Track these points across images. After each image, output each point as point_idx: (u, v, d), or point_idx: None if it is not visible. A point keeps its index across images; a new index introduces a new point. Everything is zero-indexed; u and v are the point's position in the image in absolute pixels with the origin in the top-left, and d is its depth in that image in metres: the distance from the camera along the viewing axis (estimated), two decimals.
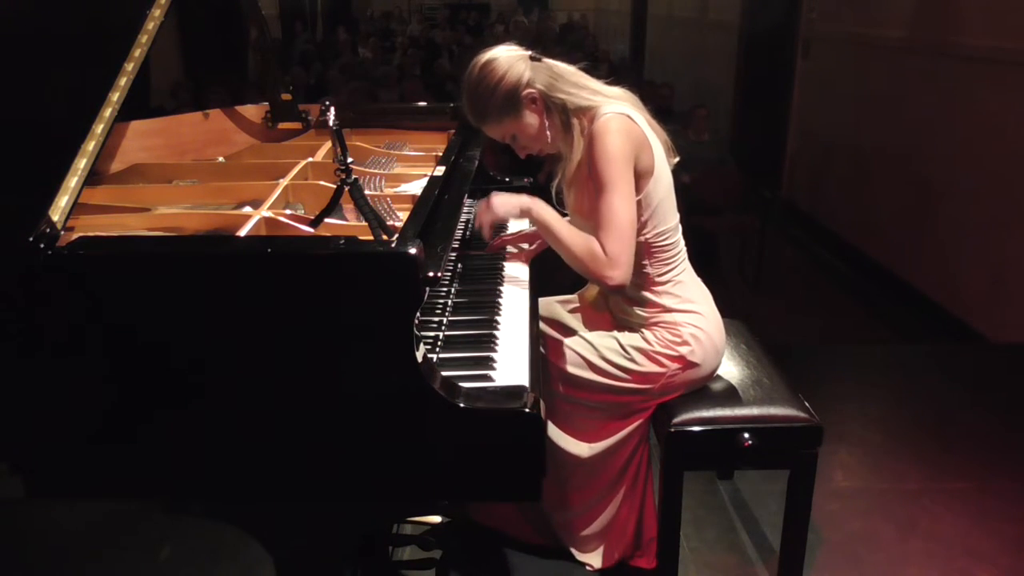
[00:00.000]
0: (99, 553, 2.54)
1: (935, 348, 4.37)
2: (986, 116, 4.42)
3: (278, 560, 1.64)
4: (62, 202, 1.47)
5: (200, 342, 1.42)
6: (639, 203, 1.98)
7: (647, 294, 2.09)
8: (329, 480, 1.50)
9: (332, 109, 2.09)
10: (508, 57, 2.02)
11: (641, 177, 1.98)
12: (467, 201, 2.34)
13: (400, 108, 3.74)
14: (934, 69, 4.93)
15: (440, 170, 2.09)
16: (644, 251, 2.05)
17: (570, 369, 2.09)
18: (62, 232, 1.44)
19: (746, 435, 2.01)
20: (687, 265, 2.14)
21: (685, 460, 2.07)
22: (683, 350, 2.06)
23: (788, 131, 7.01)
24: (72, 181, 1.51)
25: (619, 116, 1.96)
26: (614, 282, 1.91)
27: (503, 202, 2.09)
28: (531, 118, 2.04)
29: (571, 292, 2.42)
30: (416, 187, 2.22)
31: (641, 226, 2.01)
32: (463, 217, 2.32)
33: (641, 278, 2.08)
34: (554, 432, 2.15)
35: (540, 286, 2.19)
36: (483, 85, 2.01)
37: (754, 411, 2.05)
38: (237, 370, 1.42)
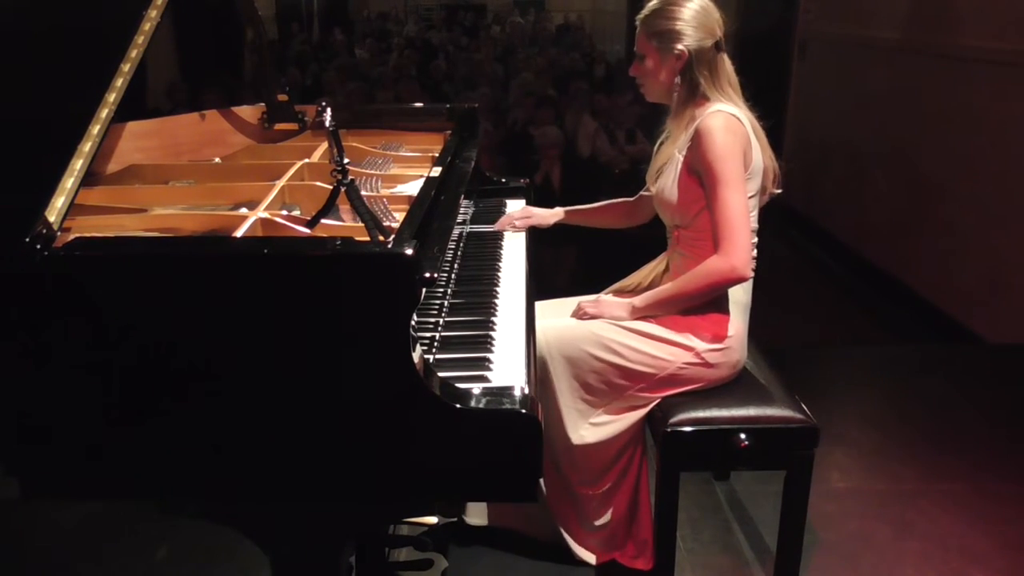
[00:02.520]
0: (97, 553, 2.54)
1: (932, 349, 4.38)
2: (983, 117, 4.43)
3: (274, 560, 1.63)
4: (58, 203, 1.47)
5: (196, 343, 1.42)
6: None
7: None
8: (325, 480, 1.49)
9: (328, 110, 2.09)
10: (700, 17, 2.09)
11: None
12: (463, 202, 2.35)
13: (396, 109, 3.73)
14: (931, 70, 4.93)
15: (436, 171, 2.09)
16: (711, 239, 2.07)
17: (576, 347, 2.10)
18: (58, 233, 1.44)
19: (742, 436, 2.01)
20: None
21: (681, 461, 2.08)
22: (701, 346, 2.07)
23: (785, 132, 7.01)
24: (68, 182, 1.51)
25: (726, 114, 2.05)
26: (741, 267, 1.99)
27: (613, 311, 2.15)
28: (664, 64, 2.13)
29: (568, 294, 2.43)
30: (412, 188, 2.21)
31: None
32: (459, 218, 2.32)
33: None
34: (555, 412, 2.15)
35: (537, 287, 2.19)
36: (666, 6, 2.11)
37: (750, 412, 2.06)
38: (233, 371, 1.42)
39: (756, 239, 2.12)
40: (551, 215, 2.57)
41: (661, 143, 2.23)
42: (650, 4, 2.17)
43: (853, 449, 3.13)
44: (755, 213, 2.12)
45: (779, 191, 2.22)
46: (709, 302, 2.10)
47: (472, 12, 16.51)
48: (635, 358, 2.08)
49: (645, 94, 2.23)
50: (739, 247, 1.98)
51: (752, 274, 2.05)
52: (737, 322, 2.12)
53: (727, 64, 2.15)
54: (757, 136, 2.11)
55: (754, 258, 2.09)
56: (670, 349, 2.08)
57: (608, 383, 2.11)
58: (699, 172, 2.04)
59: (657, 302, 2.11)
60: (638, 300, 2.14)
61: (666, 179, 2.13)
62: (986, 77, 4.39)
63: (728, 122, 2.03)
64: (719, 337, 2.09)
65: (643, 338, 2.09)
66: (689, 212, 2.10)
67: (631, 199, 2.49)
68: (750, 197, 2.06)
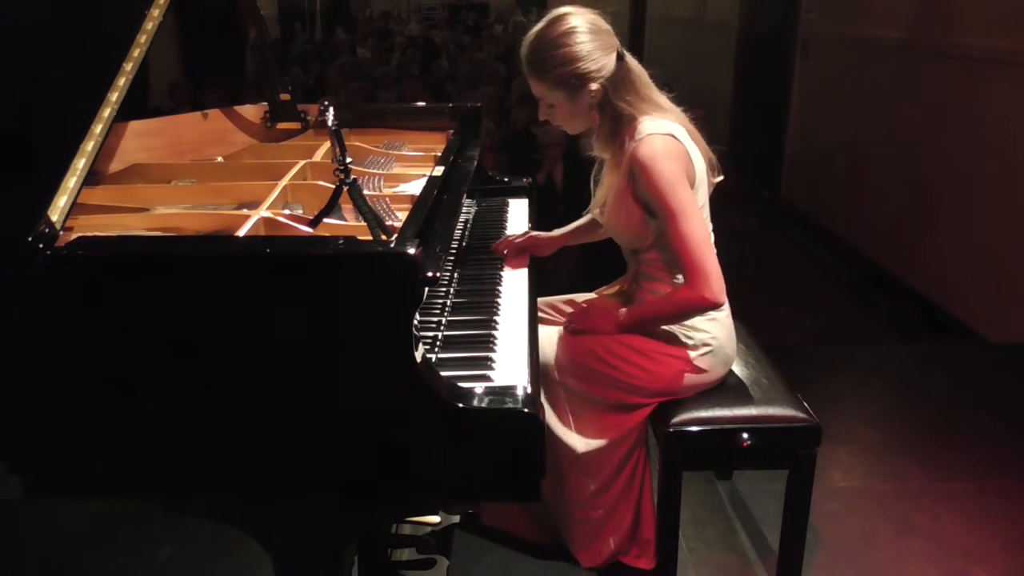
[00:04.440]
0: (99, 553, 2.54)
1: (934, 348, 4.37)
2: (985, 116, 4.42)
3: (276, 560, 1.63)
4: (61, 202, 1.47)
5: (199, 342, 1.42)
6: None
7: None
8: (327, 480, 1.50)
9: (331, 109, 2.09)
10: (596, 42, 1.94)
11: None
12: (466, 201, 2.34)
13: (399, 108, 3.73)
14: (933, 69, 4.93)
15: (439, 170, 2.09)
16: (667, 259, 2.07)
17: (574, 360, 2.09)
18: (61, 232, 1.44)
19: (745, 435, 2.01)
20: None
21: (684, 460, 2.07)
22: (692, 354, 2.06)
23: (787, 131, 7.00)
24: (71, 181, 1.51)
25: (661, 137, 1.94)
26: (713, 296, 1.92)
27: (600, 326, 2.10)
28: (579, 105, 2.00)
29: (569, 292, 2.42)
30: (415, 187, 2.21)
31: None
32: (462, 217, 2.32)
33: (672, 286, 2.08)
34: (552, 425, 2.14)
35: (539, 286, 2.19)
36: (556, 50, 1.94)
37: (753, 411, 2.05)
38: (236, 370, 1.42)
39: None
40: (552, 241, 2.40)
41: (596, 175, 2.17)
42: (531, 46, 1.98)
43: (855, 448, 3.12)
44: (707, 217, 2.06)
45: (721, 178, 2.12)
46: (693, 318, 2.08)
47: (474, 11, 16.52)
48: (630, 371, 2.07)
49: (566, 131, 2.12)
50: (708, 277, 1.92)
51: (725, 298, 1.99)
52: (719, 321, 2.11)
53: (635, 68, 2.01)
54: (694, 140, 2.03)
55: None
56: (662, 359, 2.07)
57: (608, 395, 2.10)
58: (646, 202, 1.98)
59: (639, 320, 2.08)
60: (624, 315, 2.09)
61: (613, 211, 2.07)
62: (989, 76, 4.39)
63: (665, 146, 1.93)
64: (707, 344, 2.08)
65: (636, 352, 2.07)
66: (646, 240, 2.07)
67: None
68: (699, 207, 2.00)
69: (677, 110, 2.06)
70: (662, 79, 2.09)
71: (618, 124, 2.02)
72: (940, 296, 4.84)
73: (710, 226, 2.07)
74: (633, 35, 12.77)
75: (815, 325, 5.03)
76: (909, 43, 5.15)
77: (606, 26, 1.99)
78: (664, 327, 2.09)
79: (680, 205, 1.91)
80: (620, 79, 1.98)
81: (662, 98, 2.06)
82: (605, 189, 2.11)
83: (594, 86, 1.96)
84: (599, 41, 1.96)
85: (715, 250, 1.97)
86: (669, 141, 1.95)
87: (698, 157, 2.02)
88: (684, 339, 2.07)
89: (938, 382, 3.69)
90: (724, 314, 2.12)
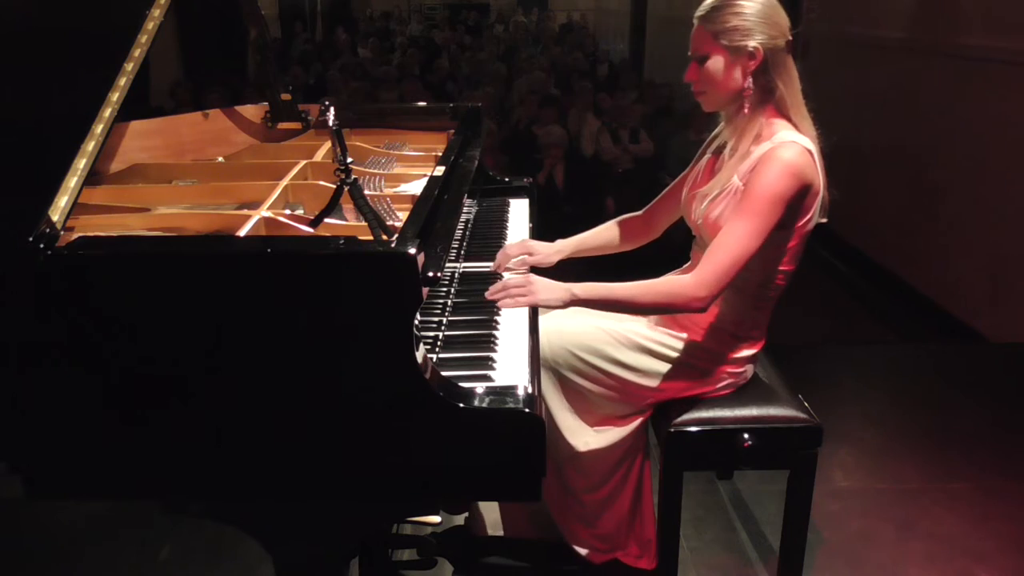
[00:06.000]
0: (99, 553, 2.54)
1: (935, 348, 4.38)
2: (986, 116, 4.42)
3: (277, 560, 1.64)
4: (62, 202, 1.47)
5: (200, 342, 1.42)
6: (784, 235, 1.95)
7: (725, 324, 2.05)
8: (329, 479, 1.50)
9: (332, 109, 2.09)
10: (771, 16, 1.94)
11: (799, 213, 1.93)
12: (467, 201, 2.34)
13: (400, 108, 3.73)
14: (933, 69, 4.93)
15: (440, 170, 2.09)
16: (755, 284, 2.03)
17: (585, 356, 2.06)
18: (62, 232, 1.44)
19: (746, 435, 2.01)
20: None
21: (685, 460, 2.07)
22: (711, 369, 2.07)
23: None
24: (72, 181, 1.51)
25: (802, 149, 1.88)
26: (700, 305, 1.86)
27: (547, 296, 1.90)
28: (733, 68, 1.94)
29: None
30: (416, 187, 2.21)
31: (774, 260, 2.00)
32: (462, 217, 2.32)
33: (737, 309, 2.04)
34: (552, 416, 2.13)
35: None
36: (733, 1, 1.93)
37: (754, 411, 2.05)
38: (237, 370, 1.42)
39: (783, 284, 2.07)
40: (554, 252, 2.28)
41: (713, 151, 2.11)
42: (708, 1, 1.98)
43: (856, 448, 3.12)
44: (798, 255, 2.04)
45: (824, 220, 2.07)
46: (735, 342, 2.05)
47: (475, 11, 16.54)
48: (645, 377, 2.05)
49: (704, 102, 2.02)
50: (716, 286, 1.84)
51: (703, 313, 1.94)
52: (757, 345, 2.10)
53: (795, 69, 1.98)
54: (821, 167, 1.96)
55: (773, 300, 2.07)
56: (684, 373, 2.06)
57: (613, 398, 2.09)
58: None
59: (601, 300, 1.94)
60: (580, 290, 1.91)
61: (720, 208, 1.96)
62: (989, 76, 4.39)
63: (801, 160, 1.86)
64: (735, 373, 2.08)
65: (655, 359, 2.06)
66: None
67: (638, 214, 2.35)
68: (790, 245, 1.98)
69: (814, 132, 2.00)
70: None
71: (764, 104, 1.95)
72: (941, 296, 4.85)
73: (795, 264, 2.05)
74: (634, 35, 12.80)
75: (816, 325, 5.03)
76: (910, 43, 5.15)
77: (783, 14, 1.98)
78: (708, 349, 2.05)
79: (759, 213, 1.84)
80: (781, 61, 1.95)
81: (807, 113, 2.00)
82: (717, 181, 2.00)
83: (753, 43, 1.91)
84: (774, 15, 1.95)
85: (735, 277, 1.88)
86: (807, 156, 1.89)
87: (821, 186, 1.96)
88: (711, 359, 2.05)
89: (939, 382, 3.70)
90: (758, 344, 2.11)
